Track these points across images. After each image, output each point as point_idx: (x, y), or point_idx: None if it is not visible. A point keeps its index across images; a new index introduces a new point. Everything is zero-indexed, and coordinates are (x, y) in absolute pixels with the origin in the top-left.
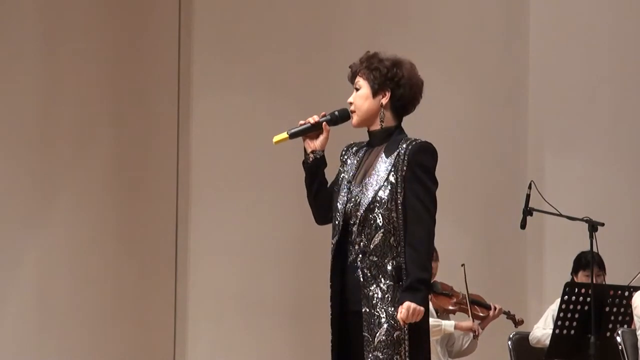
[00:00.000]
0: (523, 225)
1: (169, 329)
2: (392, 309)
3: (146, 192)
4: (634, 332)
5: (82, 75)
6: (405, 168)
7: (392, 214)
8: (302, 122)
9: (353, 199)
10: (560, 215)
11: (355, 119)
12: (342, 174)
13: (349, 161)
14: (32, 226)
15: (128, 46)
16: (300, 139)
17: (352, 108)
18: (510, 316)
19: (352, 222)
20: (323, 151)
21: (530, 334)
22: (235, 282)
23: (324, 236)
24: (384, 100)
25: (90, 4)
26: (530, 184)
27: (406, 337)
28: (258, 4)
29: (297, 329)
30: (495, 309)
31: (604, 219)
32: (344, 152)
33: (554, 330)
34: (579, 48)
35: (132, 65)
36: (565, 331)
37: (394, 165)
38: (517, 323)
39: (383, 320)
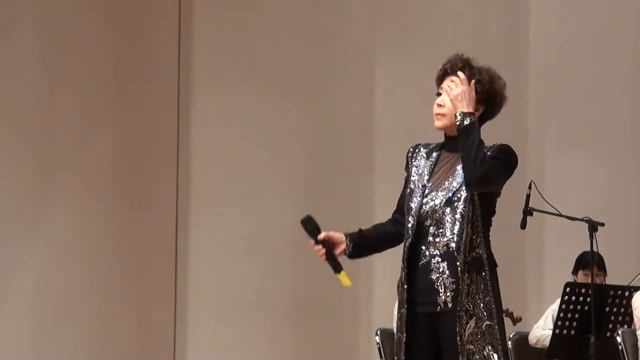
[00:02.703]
0: (523, 225)
1: (169, 329)
2: (478, 300)
3: (146, 193)
4: (634, 332)
5: (82, 75)
6: None
7: (470, 206)
8: (322, 260)
9: (430, 202)
10: (560, 215)
11: (443, 122)
12: (414, 176)
13: (420, 164)
14: (32, 226)
15: (128, 46)
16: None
17: (442, 111)
18: (508, 314)
19: (427, 224)
20: (347, 243)
21: (530, 333)
22: (235, 281)
23: None
24: (477, 114)
25: (90, 4)
26: (530, 184)
27: (496, 327)
28: (258, 4)
29: (297, 328)
30: None
31: (604, 219)
32: (410, 153)
33: (554, 330)
34: (579, 47)
35: (132, 65)
36: (565, 331)
37: None
38: (515, 320)
39: (471, 313)
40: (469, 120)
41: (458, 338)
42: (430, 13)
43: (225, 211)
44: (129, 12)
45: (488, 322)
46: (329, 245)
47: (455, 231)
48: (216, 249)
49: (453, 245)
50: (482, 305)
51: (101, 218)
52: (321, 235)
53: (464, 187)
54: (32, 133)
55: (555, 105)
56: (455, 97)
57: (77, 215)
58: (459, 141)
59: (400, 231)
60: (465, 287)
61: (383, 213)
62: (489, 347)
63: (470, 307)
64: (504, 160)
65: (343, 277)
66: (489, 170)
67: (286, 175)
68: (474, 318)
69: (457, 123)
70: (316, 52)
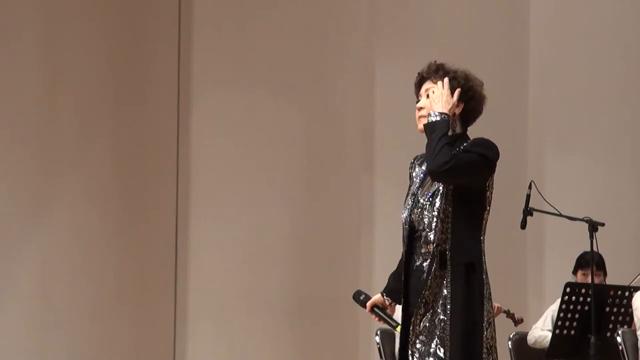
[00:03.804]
0: (523, 225)
1: (169, 329)
2: (437, 295)
3: (146, 192)
4: (634, 332)
5: (82, 75)
6: None
7: (443, 200)
8: (378, 319)
9: (421, 207)
10: (560, 215)
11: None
12: (410, 187)
13: (414, 173)
14: (32, 227)
15: (128, 46)
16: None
17: (423, 113)
18: (509, 315)
19: (421, 228)
20: (387, 300)
21: (529, 334)
22: (235, 281)
23: (325, 236)
24: (457, 110)
25: (90, 4)
26: (530, 184)
27: (448, 322)
28: (258, 4)
29: (297, 328)
30: (494, 307)
31: (604, 219)
32: (411, 165)
33: (554, 330)
34: (579, 48)
35: (132, 65)
36: (565, 331)
37: None
38: (517, 322)
39: (429, 306)
40: (436, 118)
41: (411, 328)
42: (430, 13)
43: (225, 211)
44: (129, 12)
45: (442, 317)
46: (378, 308)
47: (433, 227)
48: (216, 249)
49: (430, 239)
50: (439, 300)
51: (101, 218)
52: (367, 309)
53: (440, 185)
54: (32, 134)
55: (555, 105)
56: (433, 99)
57: (78, 215)
58: (427, 138)
59: None
60: (429, 280)
61: (383, 213)
62: (437, 341)
63: (429, 300)
64: (477, 153)
65: (398, 330)
66: (450, 160)
67: (286, 175)
68: (431, 311)
69: (427, 120)
70: (316, 52)
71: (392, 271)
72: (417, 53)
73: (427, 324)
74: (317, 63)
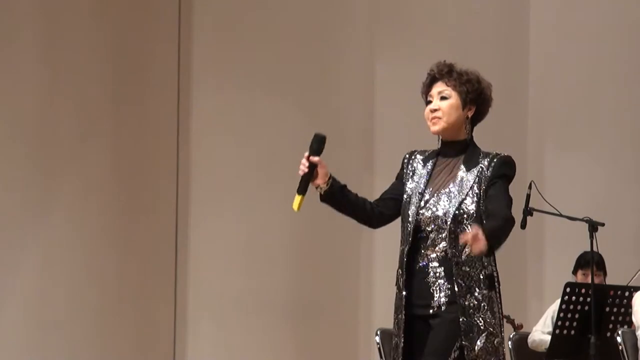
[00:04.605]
0: (523, 225)
1: (169, 329)
2: (490, 316)
3: (146, 192)
4: (634, 332)
5: (82, 75)
6: (489, 180)
7: (479, 224)
8: (299, 172)
9: (432, 207)
10: (560, 215)
11: (440, 125)
12: (410, 184)
13: (417, 171)
14: (32, 228)
15: (128, 46)
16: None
17: (438, 114)
18: (509, 320)
19: (428, 230)
20: (328, 180)
21: (529, 336)
22: (235, 282)
23: (325, 236)
24: (470, 114)
25: (90, 5)
26: (530, 184)
27: (502, 341)
28: (258, 4)
29: (297, 328)
30: None
31: (604, 219)
32: (406, 159)
33: (554, 330)
34: (579, 48)
35: (132, 65)
36: (565, 331)
37: (478, 177)
38: (517, 327)
39: (482, 328)
40: (495, 243)
41: (466, 352)
42: (431, 13)
43: (225, 212)
44: (129, 11)
45: (499, 339)
46: (313, 169)
47: (459, 246)
48: (216, 250)
49: (463, 259)
50: (493, 321)
51: (101, 219)
52: (314, 158)
53: (470, 202)
54: (32, 134)
55: (555, 105)
56: (477, 242)
57: (78, 216)
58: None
59: (372, 214)
60: (475, 302)
61: None
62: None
63: (480, 322)
64: (508, 176)
65: (297, 199)
66: (509, 210)
67: (286, 175)
68: (485, 333)
69: (494, 251)
70: (316, 52)
71: (361, 197)
72: (417, 53)
73: (484, 346)
74: (317, 63)
